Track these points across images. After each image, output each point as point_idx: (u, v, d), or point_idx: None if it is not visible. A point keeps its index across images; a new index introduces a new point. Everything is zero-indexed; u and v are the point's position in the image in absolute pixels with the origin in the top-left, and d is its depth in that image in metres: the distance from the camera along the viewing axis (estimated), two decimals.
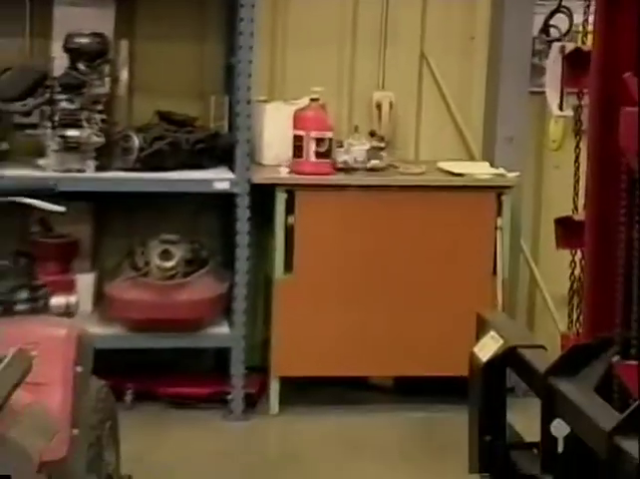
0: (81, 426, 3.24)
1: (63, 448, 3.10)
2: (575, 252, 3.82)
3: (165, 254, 5.66)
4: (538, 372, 3.32)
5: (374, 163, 5.83)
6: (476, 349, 3.66)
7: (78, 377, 3.22)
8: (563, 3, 4.21)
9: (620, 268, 3.06)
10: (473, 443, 3.68)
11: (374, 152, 5.84)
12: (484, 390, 3.61)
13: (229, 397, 5.72)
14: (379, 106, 6.12)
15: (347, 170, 5.78)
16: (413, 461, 5.21)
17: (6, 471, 2.45)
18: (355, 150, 5.80)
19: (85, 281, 5.73)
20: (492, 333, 3.64)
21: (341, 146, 5.81)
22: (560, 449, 3.26)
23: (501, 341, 3.58)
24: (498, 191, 5.75)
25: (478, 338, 3.70)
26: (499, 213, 5.75)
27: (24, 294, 3.51)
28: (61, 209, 3.91)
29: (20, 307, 3.46)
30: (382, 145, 5.91)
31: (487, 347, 3.60)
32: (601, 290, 3.36)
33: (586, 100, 3.65)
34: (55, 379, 3.11)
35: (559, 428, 3.24)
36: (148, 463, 4.92)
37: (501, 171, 5.84)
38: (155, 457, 5.12)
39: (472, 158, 6.19)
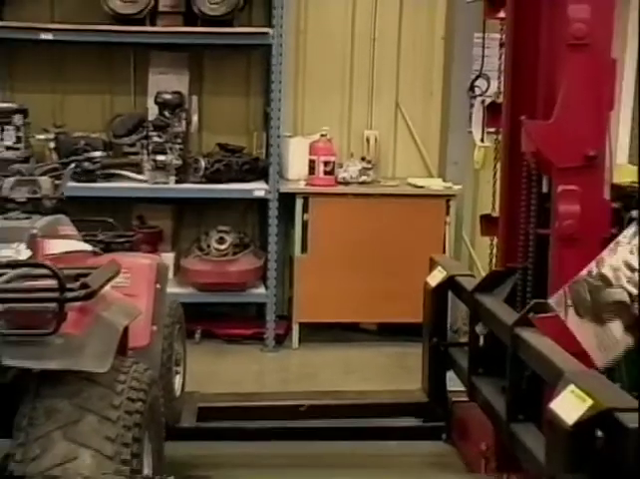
0: (158, 324, 3.29)
1: (146, 338, 3.16)
2: (493, 239, 3.84)
3: (221, 240, 5.70)
4: (468, 291, 3.37)
5: (364, 178, 5.83)
6: (428, 279, 3.69)
7: (157, 291, 3.27)
8: (483, 71, 4.29)
9: (521, 234, 3.13)
10: (425, 345, 3.71)
11: (364, 171, 5.83)
12: (433, 307, 3.64)
13: (265, 336, 5.74)
14: (368, 140, 6.12)
15: (345, 183, 5.79)
16: (389, 380, 5.16)
17: (99, 338, 2.48)
18: (351, 169, 5.81)
19: (167, 258, 5.66)
20: (439, 268, 3.67)
21: (341, 166, 5.82)
22: (482, 343, 3.30)
23: (445, 273, 3.62)
24: (447, 198, 5.73)
25: (430, 272, 3.73)
26: (448, 213, 5.73)
27: (122, 239, 3.58)
28: (145, 178, 3.95)
29: (119, 247, 3.52)
30: (369, 166, 5.89)
31: (436, 277, 3.63)
32: (508, 244, 3.39)
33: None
34: (142, 292, 3.17)
35: (481, 329, 3.28)
36: (210, 379, 4.95)
37: (450, 184, 5.82)
38: (215, 376, 5.13)
39: (430, 175, 6.17)
